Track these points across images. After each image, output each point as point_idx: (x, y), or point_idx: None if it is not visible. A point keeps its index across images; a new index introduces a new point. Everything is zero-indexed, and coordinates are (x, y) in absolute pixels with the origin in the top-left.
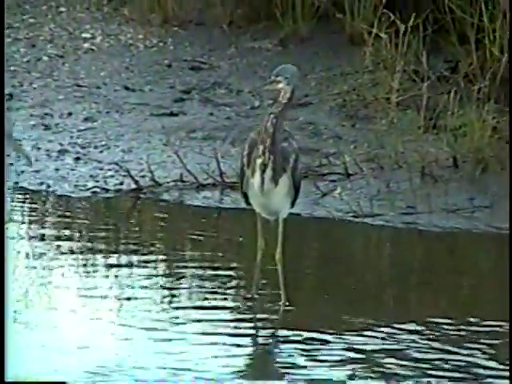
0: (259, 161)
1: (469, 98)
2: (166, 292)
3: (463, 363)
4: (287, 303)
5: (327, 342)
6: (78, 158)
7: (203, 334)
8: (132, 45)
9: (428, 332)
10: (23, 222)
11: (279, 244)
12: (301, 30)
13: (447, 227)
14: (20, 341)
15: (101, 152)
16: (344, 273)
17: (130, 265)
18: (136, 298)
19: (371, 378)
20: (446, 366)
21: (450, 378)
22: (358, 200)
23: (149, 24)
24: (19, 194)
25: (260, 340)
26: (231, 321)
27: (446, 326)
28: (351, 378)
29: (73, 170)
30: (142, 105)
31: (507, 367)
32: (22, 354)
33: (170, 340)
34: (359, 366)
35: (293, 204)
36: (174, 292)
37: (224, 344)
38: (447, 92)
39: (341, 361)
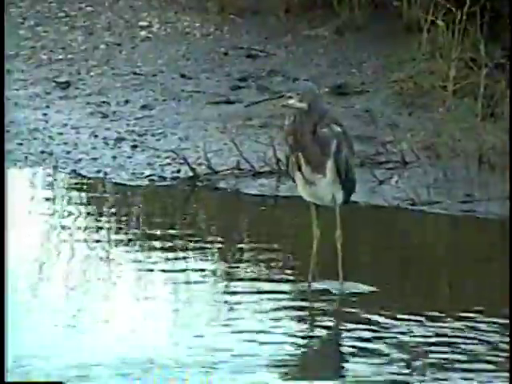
0: (293, 159)
1: None
2: (222, 279)
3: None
4: (344, 283)
5: (383, 328)
6: (135, 146)
7: (260, 320)
8: (188, 33)
9: (483, 322)
10: (80, 211)
11: (338, 224)
12: (357, 17)
13: (505, 215)
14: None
15: (158, 140)
16: (401, 261)
17: (186, 252)
18: (191, 283)
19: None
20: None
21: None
22: (414, 188)
23: (205, 12)
24: (77, 181)
25: (316, 328)
26: (288, 308)
27: (503, 316)
28: (407, 366)
29: (130, 157)
30: (199, 93)
31: None
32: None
33: (227, 325)
34: (412, 354)
35: (349, 190)
36: (230, 279)
37: (282, 327)
38: (504, 79)
39: (398, 346)
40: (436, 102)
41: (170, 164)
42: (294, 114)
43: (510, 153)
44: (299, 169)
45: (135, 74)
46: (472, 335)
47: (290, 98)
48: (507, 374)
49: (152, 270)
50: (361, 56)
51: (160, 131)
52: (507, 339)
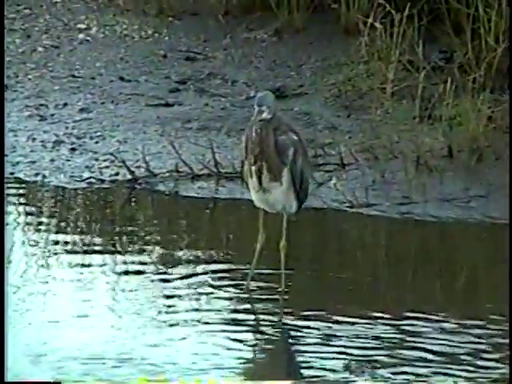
0: (254, 168)
1: (464, 88)
2: (161, 283)
3: (460, 354)
4: (286, 290)
5: (322, 329)
6: (73, 149)
7: (200, 323)
8: (127, 35)
9: (422, 323)
10: (19, 213)
11: (284, 233)
12: (296, 20)
13: (442, 217)
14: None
15: (96, 143)
16: (340, 263)
17: (124, 256)
18: (130, 290)
19: (366, 368)
20: (438, 358)
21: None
22: (353, 190)
23: (144, 14)
24: (15, 184)
25: (258, 330)
26: (229, 311)
27: (440, 317)
28: (347, 368)
29: (68, 160)
30: (138, 95)
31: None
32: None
33: (164, 332)
34: (354, 356)
35: (301, 196)
36: (169, 283)
37: (223, 331)
38: (442, 82)
39: (338, 352)
40: (374, 104)
41: (108, 167)
42: (257, 126)
43: (510, 144)
44: (258, 177)
45: (73, 76)
46: (409, 338)
47: (263, 111)
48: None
49: (90, 273)
50: (299, 58)
51: (98, 134)
52: (439, 340)
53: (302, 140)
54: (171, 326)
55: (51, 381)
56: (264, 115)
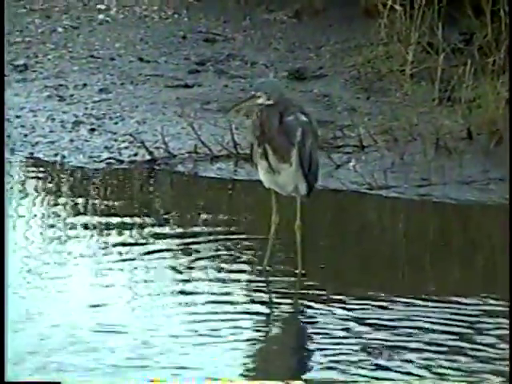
0: (259, 151)
1: (483, 70)
2: (180, 264)
3: (470, 339)
4: (303, 272)
5: (339, 311)
6: (92, 130)
7: (217, 303)
8: (147, 16)
9: (441, 305)
10: (38, 193)
11: (298, 214)
12: (315, 1)
13: (461, 199)
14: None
15: (115, 123)
16: (358, 245)
17: (143, 236)
18: (149, 270)
19: (383, 350)
20: (450, 342)
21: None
22: (372, 172)
23: None
24: (34, 165)
25: (274, 311)
26: (246, 291)
27: (458, 300)
28: (364, 350)
29: (87, 141)
30: (157, 76)
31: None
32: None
33: (181, 312)
34: (370, 337)
35: (310, 179)
36: (188, 264)
37: (238, 313)
38: (462, 64)
39: (355, 335)
40: (393, 86)
41: (127, 147)
42: (260, 109)
43: (510, 144)
44: (266, 158)
45: (93, 57)
46: (430, 319)
47: (259, 97)
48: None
49: (110, 254)
50: (319, 40)
51: (118, 115)
52: (453, 320)
53: (313, 122)
54: (187, 305)
55: (51, 381)
56: (260, 101)
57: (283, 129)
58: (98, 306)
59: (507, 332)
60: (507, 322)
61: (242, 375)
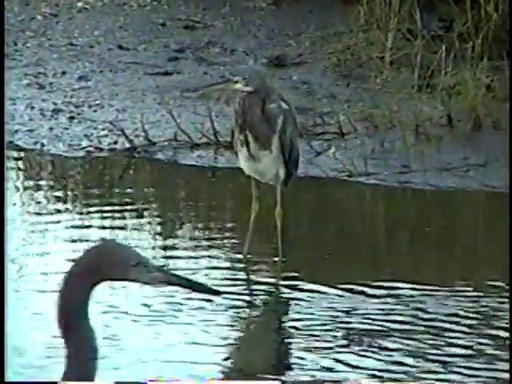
0: (241, 138)
1: (463, 57)
2: (160, 253)
3: (449, 324)
4: (283, 259)
5: (320, 299)
6: (72, 117)
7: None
8: (126, 4)
9: (419, 292)
10: (17, 181)
11: (278, 201)
12: None
13: (441, 186)
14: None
15: (95, 111)
16: (338, 231)
17: (123, 224)
18: None
19: (365, 337)
20: (431, 329)
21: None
22: (352, 159)
23: None
24: (13, 152)
25: (254, 299)
26: (226, 279)
27: (435, 286)
28: (345, 338)
29: (67, 129)
30: (136, 64)
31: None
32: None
33: (161, 302)
34: (350, 324)
35: (290, 166)
36: (167, 252)
37: (219, 304)
38: (441, 51)
39: (332, 317)
40: (373, 73)
41: (107, 135)
42: (242, 96)
43: (511, 115)
44: (246, 145)
45: (72, 44)
46: (409, 306)
47: (236, 82)
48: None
49: (88, 241)
50: (298, 27)
51: (97, 102)
52: (428, 305)
53: (292, 110)
54: (166, 294)
55: (51, 381)
56: (238, 86)
57: (265, 116)
58: None
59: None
60: (482, 308)
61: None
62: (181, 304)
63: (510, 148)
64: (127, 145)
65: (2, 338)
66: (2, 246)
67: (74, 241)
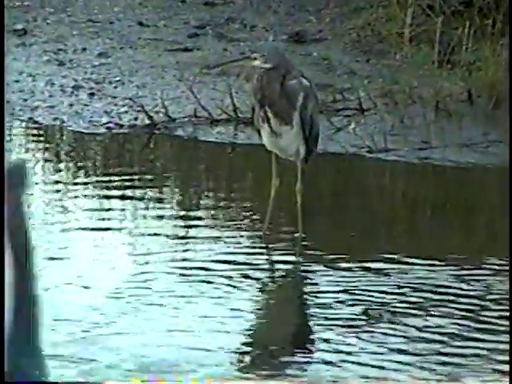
0: (261, 114)
1: (483, 33)
2: (180, 227)
3: (470, 300)
4: (303, 235)
5: (340, 275)
6: (92, 94)
7: (218, 263)
8: None
9: (439, 268)
10: (37, 157)
11: (299, 178)
12: None
13: (461, 162)
14: None
15: (115, 88)
16: (358, 208)
17: (144, 200)
18: (149, 234)
19: (384, 314)
20: (453, 304)
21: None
22: (372, 135)
23: None
24: (33, 128)
25: (275, 275)
26: (246, 254)
27: (457, 262)
28: (365, 314)
29: (87, 105)
30: (156, 40)
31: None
32: None
33: (178, 277)
34: (372, 303)
35: (310, 143)
36: (188, 228)
37: (240, 276)
38: (461, 27)
39: (352, 293)
40: (393, 49)
41: (127, 112)
42: (260, 73)
43: (510, 131)
44: (267, 121)
45: (92, 21)
46: (429, 282)
47: (255, 59)
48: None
49: (109, 219)
50: (318, 3)
51: (117, 79)
52: (448, 282)
53: (313, 86)
54: (189, 268)
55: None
56: (256, 63)
57: (285, 92)
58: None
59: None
60: (502, 288)
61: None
62: (203, 281)
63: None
64: (147, 121)
65: (2, 338)
66: (2, 246)
67: (94, 218)
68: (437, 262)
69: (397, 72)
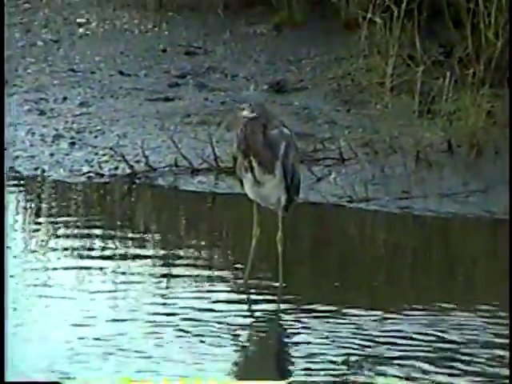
0: (245, 164)
1: (463, 83)
2: (161, 279)
3: (450, 351)
4: (284, 285)
5: (321, 325)
6: (72, 143)
7: (199, 320)
8: (127, 30)
9: (422, 317)
10: (18, 208)
11: (280, 227)
12: (295, 14)
13: (442, 212)
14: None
15: (95, 137)
16: (339, 258)
17: (125, 251)
18: (129, 289)
19: (366, 363)
20: (432, 351)
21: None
22: (352, 185)
23: (144, 9)
24: (14, 179)
25: (256, 325)
26: (227, 303)
27: (440, 312)
28: (345, 363)
29: (68, 154)
30: (137, 90)
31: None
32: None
33: (164, 326)
34: (350, 350)
35: (292, 191)
36: (169, 279)
37: (219, 326)
38: (442, 77)
39: (332, 342)
40: (374, 98)
41: (108, 161)
42: (244, 123)
43: (510, 140)
44: (251, 170)
45: (73, 71)
46: (409, 330)
47: (243, 109)
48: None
49: (90, 268)
50: (299, 53)
51: (98, 128)
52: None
53: (293, 136)
54: (167, 323)
55: (51, 381)
56: (245, 113)
57: (267, 141)
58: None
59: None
60: (482, 334)
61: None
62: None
63: (511, 174)
64: (128, 170)
65: (2, 338)
66: (2, 250)
67: (74, 268)
68: (416, 312)
69: (377, 122)
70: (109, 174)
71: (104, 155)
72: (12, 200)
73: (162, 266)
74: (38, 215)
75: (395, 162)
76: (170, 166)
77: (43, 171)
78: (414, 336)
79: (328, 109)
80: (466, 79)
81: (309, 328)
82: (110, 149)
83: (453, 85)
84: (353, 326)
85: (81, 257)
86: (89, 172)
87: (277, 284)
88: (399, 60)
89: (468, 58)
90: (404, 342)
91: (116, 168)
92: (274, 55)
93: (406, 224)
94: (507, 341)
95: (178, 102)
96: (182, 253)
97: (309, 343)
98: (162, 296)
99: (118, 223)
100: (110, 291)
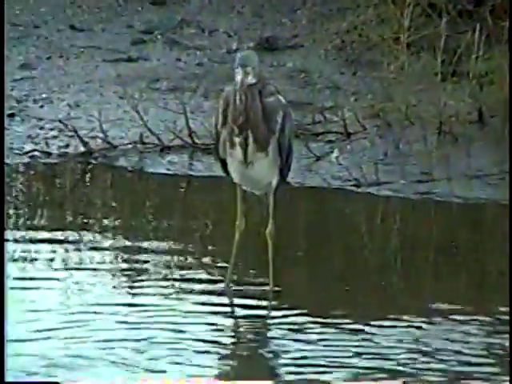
0: (238, 140)
1: (497, 38)
2: (125, 279)
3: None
4: (275, 288)
5: (318, 323)
6: (12, 115)
7: (170, 324)
8: None
9: (439, 319)
10: None
11: (271, 218)
12: None
13: (470, 197)
14: None
15: (41, 107)
16: (344, 256)
17: (77, 247)
18: (85, 286)
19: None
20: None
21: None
22: (359, 165)
23: None
24: None
25: (241, 340)
26: (205, 313)
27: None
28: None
29: (6, 129)
30: (93, 48)
31: None
32: None
33: (131, 331)
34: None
35: (284, 173)
36: (135, 281)
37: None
38: (471, 30)
39: (324, 352)
40: (386, 58)
41: (56, 137)
42: (242, 92)
43: (510, 143)
44: (245, 148)
45: (14, 25)
46: (426, 326)
47: (248, 74)
48: None
49: (36, 260)
50: (293, 2)
51: (44, 96)
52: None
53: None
54: (137, 323)
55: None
56: (249, 79)
57: (264, 112)
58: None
59: None
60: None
61: None
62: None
63: (510, 166)
64: (82, 148)
65: (2, 338)
66: (2, 247)
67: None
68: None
69: (390, 86)
70: (58, 152)
71: (51, 129)
72: None
73: (126, 270)
74: None
75: (413, 137)
76: (134, 142)
77: None
78: (435, 345)
79: (329, 71)
80: (499, 33)
81: (300, 342)
82: (59, 121)
83: (484, 40)
84: (348, 337)
85: (24, 258)
86: (33, 150)
87: (266, 288)
88: (418, 9)
89: (502, 7)
90: (398, 351)
91: (67, 145)
92: (262, 5)
93: (427, 213)
94: None
95: (144, 64)
96: (149, 250)
97: (298, 352)
98: (132, 298)
99: (68, 214)
100: (63, 292)
